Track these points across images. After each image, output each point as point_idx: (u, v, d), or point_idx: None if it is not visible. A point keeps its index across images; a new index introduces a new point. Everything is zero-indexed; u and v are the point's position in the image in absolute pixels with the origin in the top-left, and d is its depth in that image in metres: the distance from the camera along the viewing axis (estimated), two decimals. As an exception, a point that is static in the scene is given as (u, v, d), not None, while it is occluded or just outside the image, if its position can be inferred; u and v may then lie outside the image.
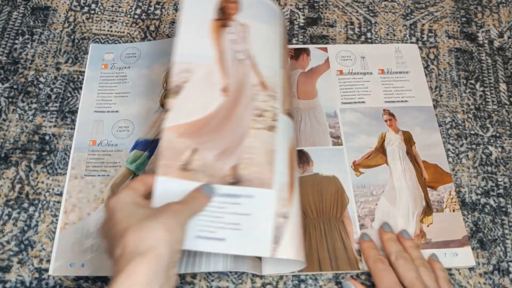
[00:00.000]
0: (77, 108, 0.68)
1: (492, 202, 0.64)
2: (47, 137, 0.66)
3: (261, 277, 0.58)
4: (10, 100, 0.69)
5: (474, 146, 0.68)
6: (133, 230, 0.42)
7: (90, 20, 0.77)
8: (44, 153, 0.65)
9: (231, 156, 0.54)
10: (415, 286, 0.52)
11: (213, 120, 0.55)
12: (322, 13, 0.79)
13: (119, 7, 0.78)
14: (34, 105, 0.69)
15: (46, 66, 0.72)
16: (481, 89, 0.73)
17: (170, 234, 0.43)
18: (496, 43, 0.77)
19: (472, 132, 0.69)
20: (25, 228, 0.60)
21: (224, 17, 0.59)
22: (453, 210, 0.63)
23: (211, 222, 0.51)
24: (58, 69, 0.72)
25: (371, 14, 0.79)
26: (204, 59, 0.57)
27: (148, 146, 0.66)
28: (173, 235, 0.44)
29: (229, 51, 0.58)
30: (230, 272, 0.58)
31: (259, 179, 0.53)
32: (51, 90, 0.70)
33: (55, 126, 0.67)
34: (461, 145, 0.68)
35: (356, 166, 0.66)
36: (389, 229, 0.59)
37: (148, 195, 0.50)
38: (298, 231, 0.54)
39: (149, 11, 0.78)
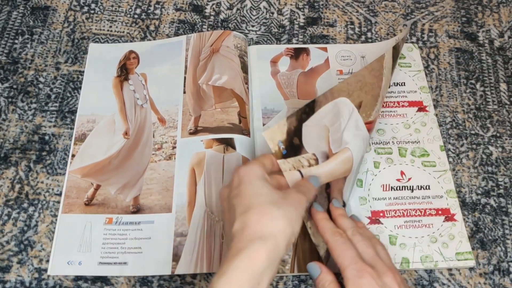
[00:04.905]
0: (77, 108, 0.68)
1: (492, 202, 0.64)
2: (46, 137, 0.66)
3: (261, 277, 0.58)
4: (10, 100, 0.69)
5: (474, 146, 0.68)
6: (257, 212, 0.44)
7: (90, 20, 0.76)
8: (44, 153, 0.65)
9: (132, 188, 0.62)
10: (377, 263, 0.48)
11: (115, 160, 0.64)
12: (322, 12, 0.79)
13: (119, 6, 0.78)
14: (34, 105, 0.69)
15: (46, 66, 0.72)
16: (482, 89, 0.73)
17: (290, 227, 0.44)
18: (497, 43, 0.77)
19: (473, 132, 0.69)
20: (25, 228, 0.60)
21: (126, 72, 0.71)
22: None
23: (113, 249, 0.58)
24: (57, 69, 0.72)
25: (371, 14, 0.79)
26: (107, 111, 0.68)
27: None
28: (292, 229, 0.45)
29: (129, 101, 0.68)
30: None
31: (158, 206, 0.61)
32: (51, 90, 0.70)
33: (54, 126, 0.67)
34: (462, 145, 0.68)
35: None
36: (339, 205, 0.54)
37: (270, 173, 0.51)
38: (202, 243, 0.58)
39: (149, 11, 0.78)
